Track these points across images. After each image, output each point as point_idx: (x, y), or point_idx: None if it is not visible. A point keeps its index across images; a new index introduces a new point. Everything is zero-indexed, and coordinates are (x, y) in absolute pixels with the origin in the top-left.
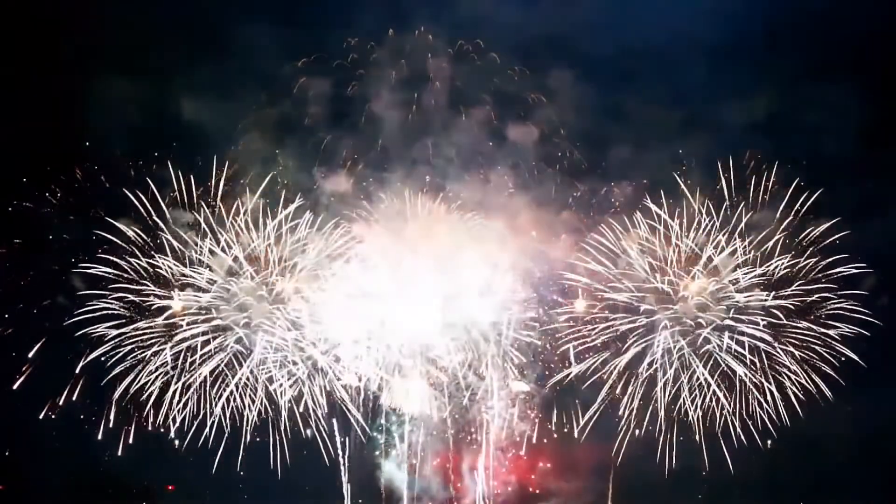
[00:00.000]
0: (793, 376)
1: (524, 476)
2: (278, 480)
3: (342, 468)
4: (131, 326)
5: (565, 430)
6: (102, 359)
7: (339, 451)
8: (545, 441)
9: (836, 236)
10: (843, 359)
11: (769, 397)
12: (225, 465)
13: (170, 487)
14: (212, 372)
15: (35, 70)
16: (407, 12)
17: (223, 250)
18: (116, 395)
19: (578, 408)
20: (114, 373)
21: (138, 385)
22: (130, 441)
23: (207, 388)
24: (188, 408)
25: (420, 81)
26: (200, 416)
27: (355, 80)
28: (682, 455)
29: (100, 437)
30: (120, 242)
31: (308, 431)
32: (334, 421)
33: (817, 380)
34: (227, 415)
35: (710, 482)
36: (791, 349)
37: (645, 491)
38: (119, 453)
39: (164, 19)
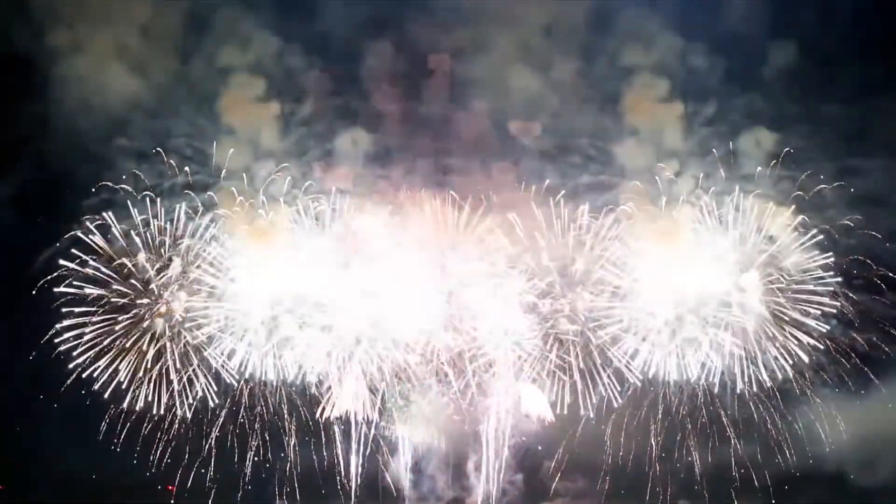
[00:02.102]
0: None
1: (530, 475)
2: (280, 480)
3: (345, 467)
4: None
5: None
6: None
7: (345, 452)
8: (551, 440)
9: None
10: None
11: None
12: (226, 467)
13: (170, 487)
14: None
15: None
16: (408, 5)
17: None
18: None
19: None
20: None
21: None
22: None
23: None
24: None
25: (421, 75)
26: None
27: (355, 74)
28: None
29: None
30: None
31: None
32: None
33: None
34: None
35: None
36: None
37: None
38: None
39: (161, 9)
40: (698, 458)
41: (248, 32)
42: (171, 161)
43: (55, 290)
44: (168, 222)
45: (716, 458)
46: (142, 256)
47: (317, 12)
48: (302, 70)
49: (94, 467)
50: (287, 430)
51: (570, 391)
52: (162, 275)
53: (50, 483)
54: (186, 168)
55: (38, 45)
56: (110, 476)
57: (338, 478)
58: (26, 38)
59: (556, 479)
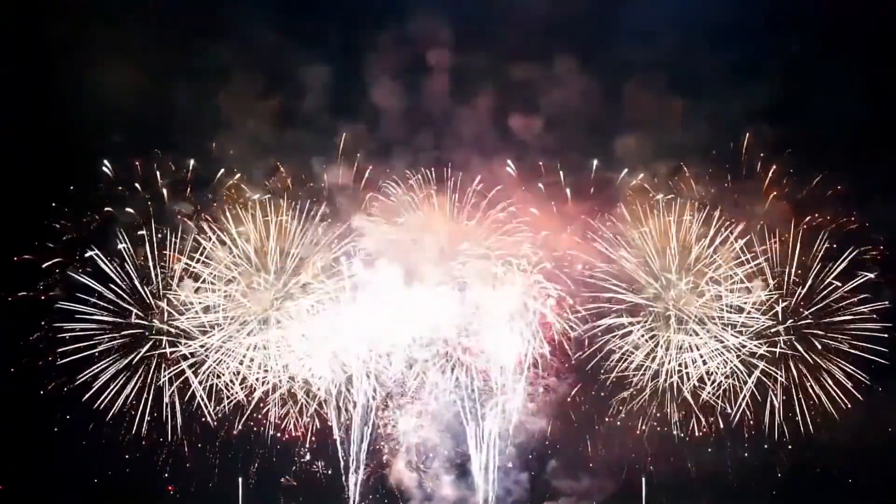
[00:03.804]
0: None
1: (534, 474)
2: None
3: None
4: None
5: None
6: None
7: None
8: (556, 438)
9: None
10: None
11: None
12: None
13: (170, 488)
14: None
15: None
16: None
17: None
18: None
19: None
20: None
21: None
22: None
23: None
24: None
25: (422, 70)
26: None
27: (356, 69)
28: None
29: None
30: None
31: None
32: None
33: None
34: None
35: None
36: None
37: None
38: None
39: (161, 4)
40: (697, 459)
41: (248, 28)
42: (171, 158)
43: (51, 293)
44: (167, 220)
45: (715, 459)
46: (141, 254)
47: (316, 8)
48: (302, 66)
49: (94, 467)
50: (290, 433)
51: (569, 391)
52: (163, 274)
53: (50, 483)
54: (185, 165)
55: (38, 40)
56: (111, 476)
57: (342, 477)
58: (26, 32)
59: (560, 478)
